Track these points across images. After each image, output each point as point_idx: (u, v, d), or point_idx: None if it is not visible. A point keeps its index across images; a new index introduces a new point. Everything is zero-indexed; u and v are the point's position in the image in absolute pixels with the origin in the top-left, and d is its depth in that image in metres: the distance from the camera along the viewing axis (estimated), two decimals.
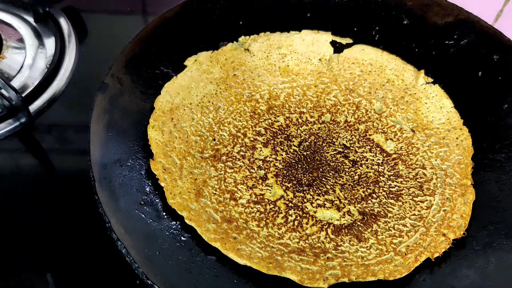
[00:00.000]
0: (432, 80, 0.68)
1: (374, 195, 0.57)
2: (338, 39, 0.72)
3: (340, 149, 0.61)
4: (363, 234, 0.53)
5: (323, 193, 0.57)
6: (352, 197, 0.57)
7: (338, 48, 0.71)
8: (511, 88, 0.63)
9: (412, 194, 0.57)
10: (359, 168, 0.59)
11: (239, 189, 0.56)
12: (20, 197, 0.58)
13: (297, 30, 0.72)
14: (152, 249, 0.49)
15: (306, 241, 0.52)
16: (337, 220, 0.54)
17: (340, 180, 0.58)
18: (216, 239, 0.51)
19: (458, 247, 0.53)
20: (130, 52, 0.61)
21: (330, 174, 0.58)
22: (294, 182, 0.57)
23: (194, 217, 0.52)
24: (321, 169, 0.59)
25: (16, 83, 0.68)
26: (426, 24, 0.70)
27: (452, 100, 0.65)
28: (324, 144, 0.61)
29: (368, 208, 0.56)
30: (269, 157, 0.59)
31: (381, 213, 0.55)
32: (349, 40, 0.71)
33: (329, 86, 0.67)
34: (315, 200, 0.56)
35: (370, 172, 0.59)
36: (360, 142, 0.62)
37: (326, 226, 0.54)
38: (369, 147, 0.61)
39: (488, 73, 0.65)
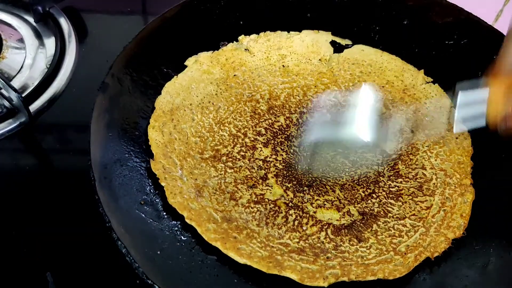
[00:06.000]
0: (431, 80, 0.68)
1: (374, 195, 0.57)
2: (338, 40, 0.72)
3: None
4: (363, 234, 0.53)
5: (323, 194, 0.57)
6: (352, 197, 0.56)
7: (338, 48, 0.71)
8: None
9: (412, 194, 0.57)
10: (359, 169, 0.59)
11: (239, 189, 0.56)
12: (20, 197, 0.58)
13: (297, 30, 0.72)
14: (152, 249, 0.49)
15: (306, 241, 0.52)
16: (337, 220, 0.54)
17: (340, 180, 0.58)
18: (216, 239, 0.51)
19: (458, 247, 0.53)
20: (130, 52, 0.61)
21: (330, 174, 0.58)
22: (294, 182, 0.57)
23: (195, 217, 0.52)
24: (321, 170, 0.59)
25: (16, 83, 0.68)
26: (426, 24, 0.70)
27: (452, 100, 0.65)
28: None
29: (368, 208, 0.56)
30: (269, 157, 0.59)
31: (381, 213, 0.55)
32: (349, 42, 0.72)
33: (329, 86, 0.67)
34: (315, 201, 0.56)
35: (370, 172, 0.59)
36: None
37: (326, 227, 0.54)
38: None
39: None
